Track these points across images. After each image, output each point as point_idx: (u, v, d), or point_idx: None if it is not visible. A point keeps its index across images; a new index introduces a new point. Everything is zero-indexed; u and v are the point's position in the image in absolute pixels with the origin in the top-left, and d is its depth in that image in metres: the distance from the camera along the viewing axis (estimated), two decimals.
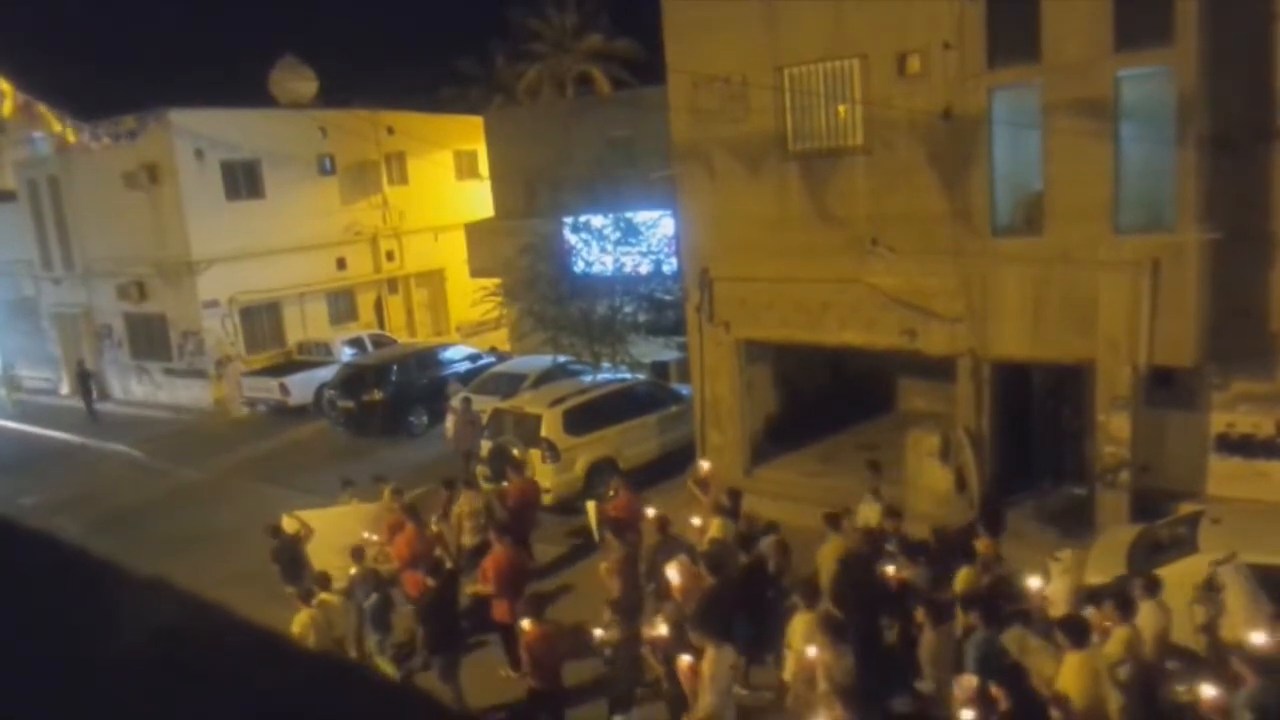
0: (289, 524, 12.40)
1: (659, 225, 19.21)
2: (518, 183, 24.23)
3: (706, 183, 14.65)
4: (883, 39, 12.60)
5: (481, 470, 15.12)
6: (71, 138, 18.12)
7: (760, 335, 14.78)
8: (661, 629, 8.80)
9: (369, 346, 24.69)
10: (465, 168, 30.33)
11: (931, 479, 13.24)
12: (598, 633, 9.26)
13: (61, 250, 27.88)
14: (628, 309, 19.18)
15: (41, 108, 16.37)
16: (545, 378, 18.69)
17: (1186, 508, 11.10)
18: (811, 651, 8.05)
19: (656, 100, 16.50)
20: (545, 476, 14.54)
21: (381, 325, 28.27)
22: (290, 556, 11.97)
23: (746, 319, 14.62)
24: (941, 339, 12.91)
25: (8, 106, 15.62)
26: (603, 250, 19.55)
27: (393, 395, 20.85)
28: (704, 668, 8.10)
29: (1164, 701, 7.98)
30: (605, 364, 18.77)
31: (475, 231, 24.83)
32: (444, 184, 29.74)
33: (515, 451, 14.87)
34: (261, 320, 26.05)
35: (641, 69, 32.63)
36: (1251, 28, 11.00)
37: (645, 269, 19.50)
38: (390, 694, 0.82)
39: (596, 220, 19.55)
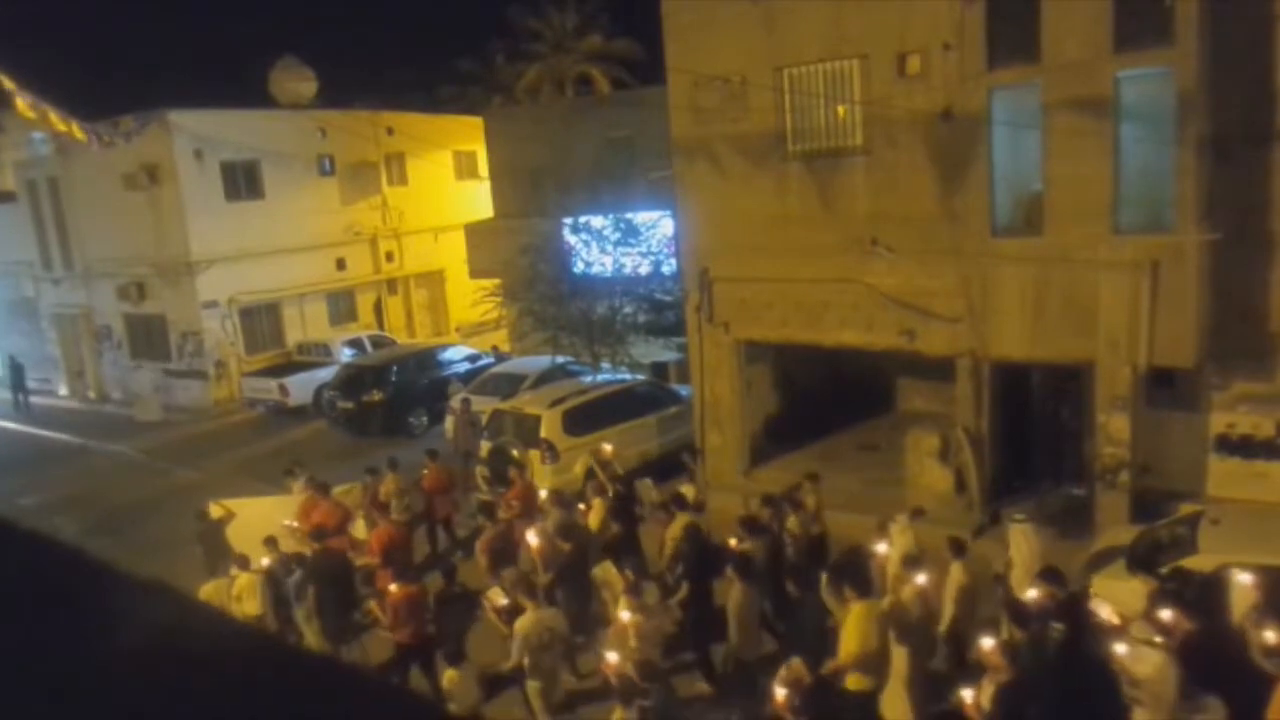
0: (215, 510, 13.21)
1: (659, 226, 19.21)
2: (517, 183, 24.23)
3: (706, 183, 14.65)
4: (882, 39, 12.61)
5: (481, 471, 15.11)
6: (79, 135, 18.10)
7: (760, 335, 14.78)
8: (500, 599, 9.85)
9: (368, 347, 24.67)
10: (465, 168, 30.34)
11: (931, 479, 13.25)
12: (500, 601, 9.96)
13: (61, 251, 27.89)
14: (627, 309, 19.18)
15: (48, 107, 16.36)
16: (545, 378, 18.68)
17: (1186, 508, 11.09)
18: (625, 615, 8.83)
19: (656, 100, 16.50)
20: (544, 477, 14.53)
21: (381, 326, 28.26)
22: (213, 540, 12.76)
23: (746, 319, 14.62)
24: (941, 339, 12.92)
25: (19, 105, 15.63)
26: (602, 250, 19.55)
27: (392, 396, 20.84)
28: (518, 625, 9.04)
29: (967, 650, 8.63)
30: (605, 364, 18.76)
31: (475, 232, 24.83)
32: (444, 184, 29.74)
33: (515, 453, 14.87)
34: (261, 321, 26.05)
35: (641, 69, 32.65)
36: (1251, 28, 11.01)
37: (645, 269, 19.50)
38: (390, 696, 0.82)
39: (596, 220, 19.55)
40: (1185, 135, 10.69)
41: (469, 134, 28.41)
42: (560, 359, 19.33)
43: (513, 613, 9.41)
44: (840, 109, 13.34)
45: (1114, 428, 11.79)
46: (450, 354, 23.15)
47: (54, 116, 16.68)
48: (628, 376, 18.23)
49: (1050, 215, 11.79)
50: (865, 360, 15.39)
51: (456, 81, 36.26)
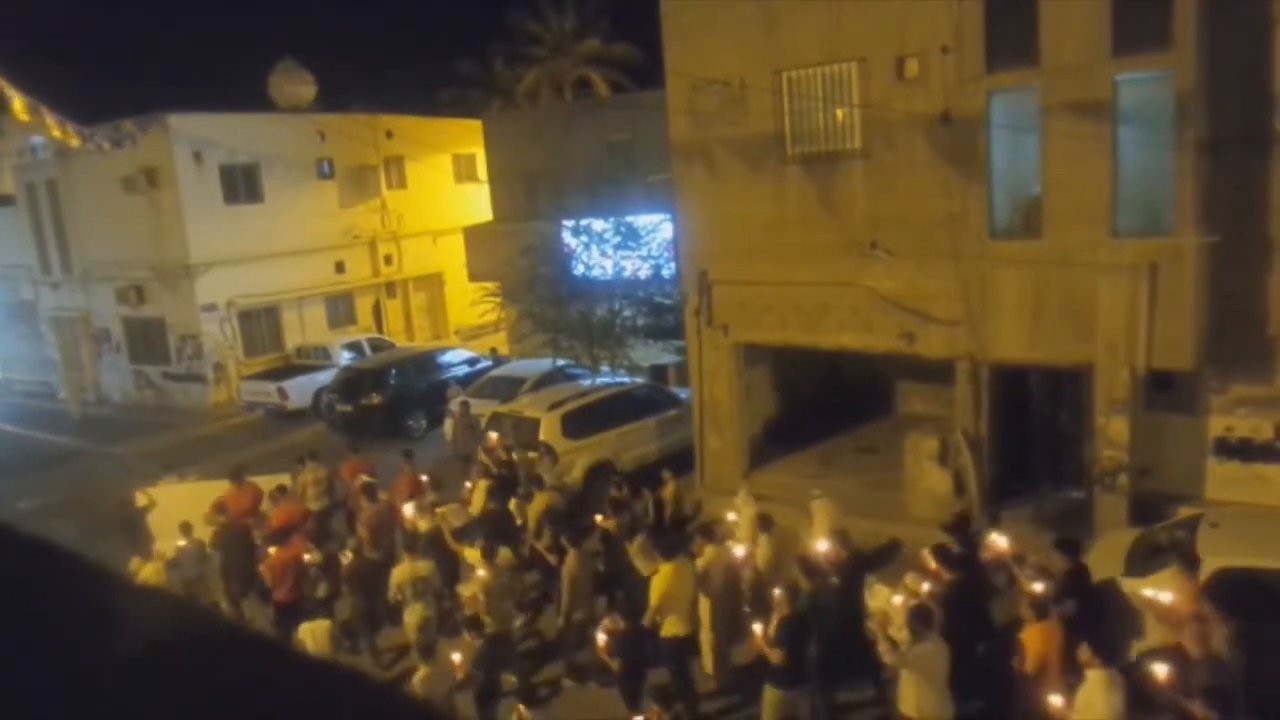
0: (141, 497, 14.04)
1: (658, 229, 19.21)
2: (516, 186, 24.25)
3: (705, 186, 14.66)
4: (881, 42, 12.62)
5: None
6: (74, 142, 18.12)
7: (759, 338, 14.79)
8: (347, 556, 11.95)
9: (367, 350, 24.67)
10: (464, 171, 30.36)
11: (930, 482, 13.25)
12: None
13: (60, 254, 27.89)
14: (627, 312, 19.18)
15: (45, 111, 16.38)
16: (544, 381, 18.68)
17: (1185, 511, 11.09)
18: (480, 573, 10.39)
19: (655, 103, 16.51)
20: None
21: (380, 329, 28.26)
22: (135, 526, 13.62)
23: (745, 322, 14.63)
24: (940, 342, 12.92)
25: (18, 107, 15.64)
26: (602, 254, 19.56)
27: (391, 399, 20.83)
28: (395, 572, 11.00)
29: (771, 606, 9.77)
30: (604, 367, 18.76)
31: (474, 235, 24.82)
32: (442, 187, 29.76)
33: (514, 455, 14.87)
34: (260, 324, 26.05)
35: (640, 72, 32.69)
36: (1250, 31, 11.02)
37: (644, 273, 19.51)
38: (388, 698, 0.82)
39: (596, 224, 19.55)
40: (1184, 138, 10.70)
41: (468, 137, 28.43)
42: (560, 362, 19.33)
43: (353, 571, 11.66)
44: (839, 112, 13.35)
45: (1113, 430, 11.79)
46: (449, 357, 23.14)
47: (50, 120, 16.70)
48: (627, 379, 18.23)
49: (1049, 218, 11.80)
50: (864, 363, 15.39)
51: (456, 85, 36.33)
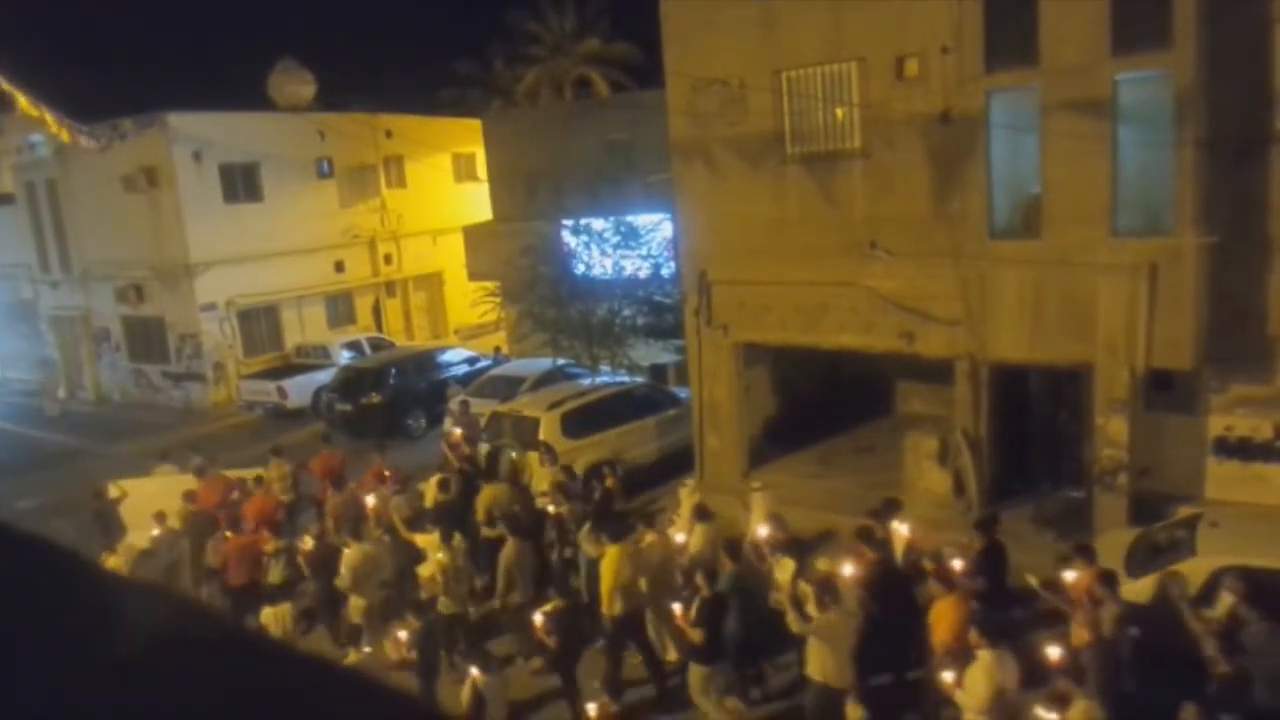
0: (113, 490, 14.42)
1: (658, 229, 19.21)
2: (516, 186, 24.22)
3: (705, 186, 14.66)
4: (881, 42, 12.62)
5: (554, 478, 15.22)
6: (66, 138, 18.13)
7: (758, 338, 14.79)
8: (308, 544, 12.22)
9: (367, 349, 24.65)
10: (464, 171, 30.35)
11: (930, 482, 13.26)
12: (307, 545, 12.37)
13: (60, 253, 27.88)
14: (627, 312, 19.18)
15: (44, 109, 16.38)
16: (544, 380, 18.67)
17: (1185, 511, 11.10)
18: (439, 555, 11.04)
19: (655, 103, 16.50)
20: (543, 479, 14.51)
21: (379, 328, 28.25)
22: (106, 517, 14.04)
23: (745, 322, 14.63)
24: (939, 342, 12.92)
25: (21, 103, 15.67)
26: (602, 253, 19.55)
27: (391, 398, 20.82)
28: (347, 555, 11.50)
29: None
30: (604, 367, 18.76)
31: (474, 234, 24.81)
32: (442, 187, 29.75)
33: (514, 455, 14.87)
34: (259, 323, 26.05)
35: (640, 72, 32.70)
36: (1249, 31, 11.01)
37: (644, 272, 19.50)
38: (388, 699, 0.82)
39: (596, 223, 19.54)
40: (1183, 138, 10.70)
41: (468, 137, 28.42)
42: (559, 361, 19.33)
43: (314, 556, 12.00)
44: (839, 111, 13.35)
45: (1112, 430, 11.79)
46: (449, 356, 23.13)
47: (49, 118, 16.72)
48: (627, 379, 18.22)
49: (1048, 218, 11.80)
50: (864, 363, 15.39)
51: (455, 84, 36.34)
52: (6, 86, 15.33)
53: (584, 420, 15.61)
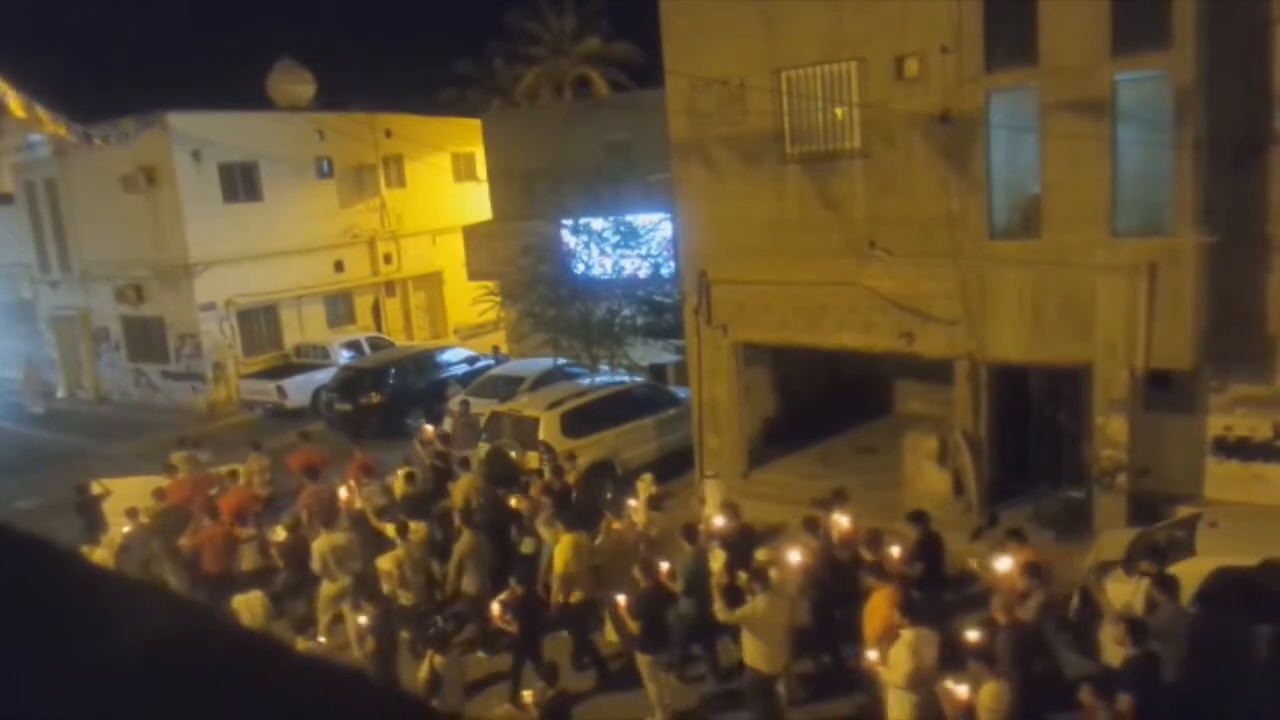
0: (96, 487, 14.84)
1: (658, 229, 19.21)
2: (516, 186, 24.22)
3: (705, 185, 14.66)
4: (880, 42, 12.62)
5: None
6: (63, 133, 18.12)
7: (758, 338, 14.79)
8: (280, 535, 12.77)
9: (366, 349, 24.65)
10: (463, 170, 30.34)
11: (929, 482, 13.26)
12: (278, 537, 12.87)
13: (59, 253, 27.86)
14: (626, 312, 19.17)
15: (41, 110, 16.38)
16: (544, 380, 18.66)
17: (1184, 511, 11.10)
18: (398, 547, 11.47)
19: (655, 103, 16.50)
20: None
21: (379, 328, 28.24)
22: (90, 513, 14.43)
23: (744, 321, 14.63)
24: (939, 341, 12.92)
25: (14, 106, 15.66)
26: (602, 253, 19.55)
27: (390, 398, 20.83)
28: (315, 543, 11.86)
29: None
30: (604, 366, 18.75)
31: (473, 234, 24.80)
32: (442, 187, 29.75)
33: (514, 454, 14.87)
34: (259, 323, 26.03)
35: (639, 72, 32.73)
36: (1249, 31, 11.02)
37: (644, 272, 19.50)
38: (387, 699, 0.82)
39: (596, 223, 19.55)
40: (1183, 138, 10.71)
41: (467, 136, 28.41)
42: (559, 361, 19.32)
43: (286, 548, 12.44)
44: (838, 111, 13.35)
45: (1112, 430, 11.79)
46: (448, 356, 23.13)
47: (44, 116, 16.71)
48: (626, 379, 18.22)
49: (1048, 218, 11.81)
50: (863, 362, 15.40)
51: (455, 84, 36.32)
52: (6, 88, 15.32)
53: (583, 420, 15.61)
